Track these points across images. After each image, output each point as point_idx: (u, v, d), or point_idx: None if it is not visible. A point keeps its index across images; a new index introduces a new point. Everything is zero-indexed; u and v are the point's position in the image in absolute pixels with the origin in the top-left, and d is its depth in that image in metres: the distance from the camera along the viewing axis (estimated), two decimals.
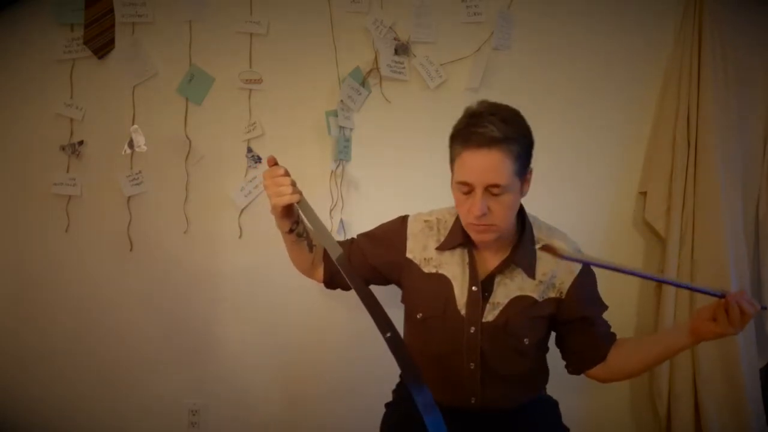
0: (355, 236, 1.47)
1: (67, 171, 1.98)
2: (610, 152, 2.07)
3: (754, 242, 2.01)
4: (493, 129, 1.16)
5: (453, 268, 1.34)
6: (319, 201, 2.03)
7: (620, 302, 2.12)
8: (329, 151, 2.02)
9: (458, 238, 1.33)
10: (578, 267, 1.33)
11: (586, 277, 1.35)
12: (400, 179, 2.01)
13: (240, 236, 2.02)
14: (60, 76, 1.95)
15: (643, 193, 2.05)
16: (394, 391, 1.57)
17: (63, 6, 1.92)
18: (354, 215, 2.03)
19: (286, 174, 1.25)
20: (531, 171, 1.27)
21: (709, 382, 1.93)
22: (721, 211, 1.92)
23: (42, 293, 2.01)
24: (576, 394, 2.10)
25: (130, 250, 2.01)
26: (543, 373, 1.48)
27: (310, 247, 1.39)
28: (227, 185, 2.02)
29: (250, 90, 2.00)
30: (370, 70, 2.00)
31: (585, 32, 2.03)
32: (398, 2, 1.98)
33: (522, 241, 1.32)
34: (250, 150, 2.01)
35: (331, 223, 2.02)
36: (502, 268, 1.31)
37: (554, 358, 1.46)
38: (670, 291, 1.97)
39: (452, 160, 1.25)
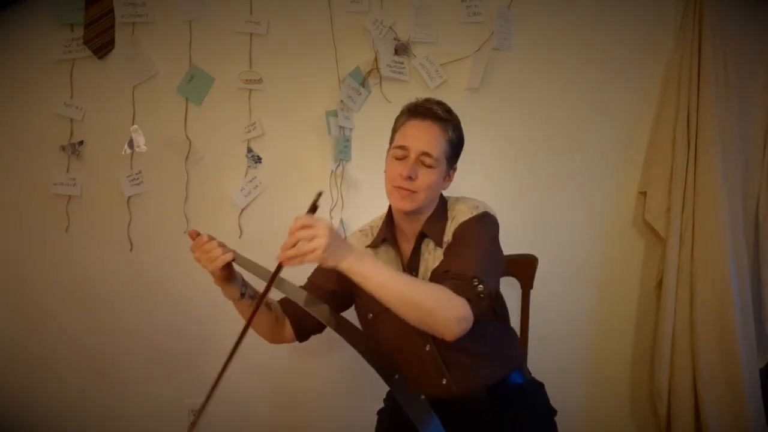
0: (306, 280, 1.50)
1: (67, 171, 1.98)
2: (610, 152, 2.08)
3: (754, 242, 2.01)
4: (439, 110, 1.37)
5: (388, 264, 1.41)
6: (319, 201, 2.02)
7: (620, 302, 2.13)
8: (329, 151, 2.02)
9: (383, 234, 1.45)
10: (468, 217, 1.36)
11: (469, 226, 1.35)
12: None
13: (240, 236, 2.02)
14: (60, 76, 1.95)
15: (643, 193, 2.05)
16: (385, 400, 1.57)
17: (63, 6, 1.92)
18: (354, 215, 2.03)
19: (211, 239, 1.29)
20: (455, 170, 1.43)
21: (709, 382, 1.93)
22: (721, 211, 1.92)
23: (42, 293, 2.01)
24: (576, 394, 2.10)
25: (130, 250, 2.01)
26: (506, 343, 1.48)
27: (268, 305, 1.42)
28: (227, 185, 2.01)
29: (250, 90, 2.00)
30: (370, 70, 2.00)
31: (585, 32, 2.04)
32: (398, 2, 1.99)
33: (432, 215, 1.40)
34: (250, 150, 2.01)
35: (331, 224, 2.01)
36: (418, 244, 1.40)
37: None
38: (670, 291, 1.97)
39: (395, 131, 1.41)
